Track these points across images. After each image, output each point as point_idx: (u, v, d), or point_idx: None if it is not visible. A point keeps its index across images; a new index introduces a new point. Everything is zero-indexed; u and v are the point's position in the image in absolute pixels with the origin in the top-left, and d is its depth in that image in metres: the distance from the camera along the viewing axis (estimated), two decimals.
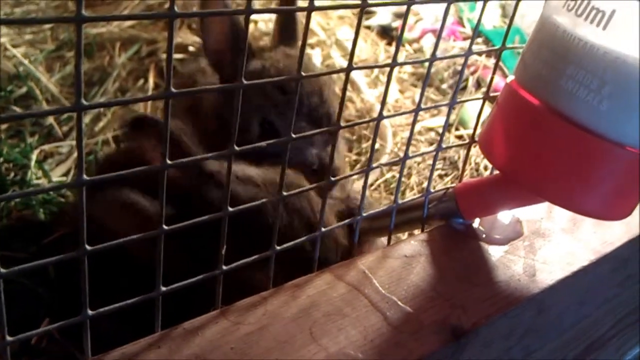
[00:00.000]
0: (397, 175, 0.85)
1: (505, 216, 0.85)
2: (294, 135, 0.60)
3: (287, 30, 1.23)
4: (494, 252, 0.79)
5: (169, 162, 0.51)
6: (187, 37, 1.86)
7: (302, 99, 1.07)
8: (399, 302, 0.68)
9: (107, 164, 1.17)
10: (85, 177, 0.46)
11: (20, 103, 1.57)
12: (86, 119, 1.58)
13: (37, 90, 1.60)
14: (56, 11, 2.03)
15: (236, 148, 0.55)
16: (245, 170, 0.88)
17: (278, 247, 0.65)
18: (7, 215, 1.23)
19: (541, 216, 0.86)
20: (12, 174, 1.36)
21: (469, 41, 0.70)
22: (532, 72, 0.69)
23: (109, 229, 0.73)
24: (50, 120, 1.54)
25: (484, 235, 0.81)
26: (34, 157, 1.40)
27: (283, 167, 0.61)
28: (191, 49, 1.86)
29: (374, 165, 0.72)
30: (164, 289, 0.57)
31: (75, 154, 1.45)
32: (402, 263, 0.74)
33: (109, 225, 0.78)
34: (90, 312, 0.53)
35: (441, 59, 0.70)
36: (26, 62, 1.68)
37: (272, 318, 0.63)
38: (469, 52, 0.72)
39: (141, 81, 1.73)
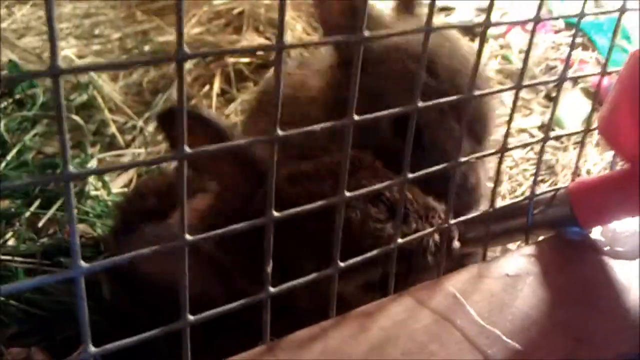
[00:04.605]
0: None
1: (631, 223, 0.74)
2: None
3: None
4: (621, 269, 0.68)
5: (187, 149, 0.38)
6: (254, 39, 1.83)
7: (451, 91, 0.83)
8: (503, 337, 0.57)
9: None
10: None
11: (81, 112, 1.57)
12: (150, 127, 1.58)
13: (99, 98, 1.61)
14: (124, 21, 2.10)
15: (279, 132, 0.42)
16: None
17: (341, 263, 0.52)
18: (60, 230, 1.20)
19: None
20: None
21: (560, 34, 0.57)
22: None
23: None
24: (113, 129, 1.54)
25: (606, 248, 0.72)
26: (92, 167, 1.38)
27: (344, 155, 0.48)
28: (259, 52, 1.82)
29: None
30: (191, 318, 0.45)
31: (135, 168, 1.42)
32: (504, 284, 0.64)
33: None
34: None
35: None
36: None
37: (334, 358, 0.52)
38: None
39: (207, 87, 1.73)
